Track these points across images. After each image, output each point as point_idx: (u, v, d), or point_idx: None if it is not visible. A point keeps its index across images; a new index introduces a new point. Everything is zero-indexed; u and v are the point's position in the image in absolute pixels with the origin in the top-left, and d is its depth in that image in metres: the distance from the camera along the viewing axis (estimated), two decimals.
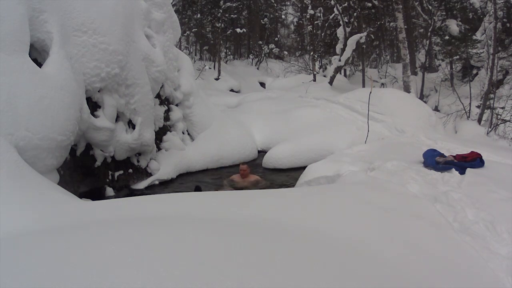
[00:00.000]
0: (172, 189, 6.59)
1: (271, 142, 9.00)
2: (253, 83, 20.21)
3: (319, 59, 20.34)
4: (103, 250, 1.87)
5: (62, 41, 4.98)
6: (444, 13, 15.97)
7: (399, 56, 17.59)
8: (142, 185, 6.63)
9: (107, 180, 6.17)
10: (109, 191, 6.13)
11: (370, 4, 17.64)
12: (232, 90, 17.93)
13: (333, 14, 17.97)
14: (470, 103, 12.05)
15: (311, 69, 19.12)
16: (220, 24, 20.36)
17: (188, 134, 8.37)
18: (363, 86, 16.09)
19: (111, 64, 5.75)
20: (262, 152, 8.81)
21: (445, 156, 5.29)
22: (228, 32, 22.88)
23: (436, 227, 3.16)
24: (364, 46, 16.64)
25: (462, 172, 4.83)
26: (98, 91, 5.73)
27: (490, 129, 10.48)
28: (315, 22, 20.50)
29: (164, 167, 7.06)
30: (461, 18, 15.73)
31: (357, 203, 3.40)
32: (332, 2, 16.47)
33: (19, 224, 2.76)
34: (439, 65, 16.24)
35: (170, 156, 7.34)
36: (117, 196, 6.00)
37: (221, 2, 20.11)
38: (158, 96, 7.50)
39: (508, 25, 14.01)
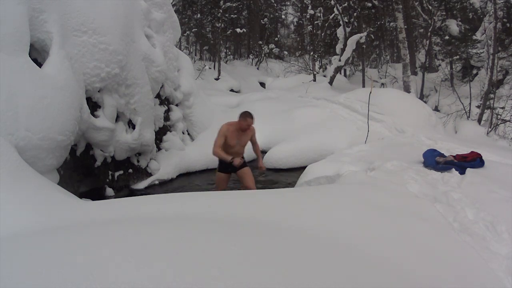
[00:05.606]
0: (172, 189, 6.59)
1: (271, 142, 8.99)
2: (253, 83, 20.22)
3: (319, 59, 20.34)
4: (103, 250, 1.87)
5: (62, 41, 4.98)
6: (444, 13, 15.96)
7: (399, 56, 17.61)
8: (142, 185, 6.64)
9: (107, 180, 6.17)
10: (109, 191, 6.13)
11: (370, 4, 17.65)
12: (232, 90, 17.94)
13: (333, 14, 17.97)
14: (470, 103, 12.05)
15: (311, 69, 19.11)
16: (220, 24, 20.37)
17: (188, 134, 8.37)
18: (363, 86, 16.10)
19: (111, 64, 5.75)
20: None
21: (445, 156, 5.29)
22: (228, 32, 22.88)
23: (436, 227, 3.16)
24: (364, 46, 16.65)
25: (462, 172, 4.83)
26: (98, 91, 5.73)
27: (490, 129, 10.48)
28: (315, 22, 20.51)
29: (164, 167, 7.06)
30: (461, 18, 15.72)
31: (357, 203, 3.40)
32: (332, 2, 16.48)
33: (19, 224, 2.76)
34: (439, 65, 16.23)
35: (170, 156, 7.34)
36: (117, 196, 6.01)
37: (221, 2, 20.11)
38: (158, 96, 7.50)
39: (508, 25, 14.00)
